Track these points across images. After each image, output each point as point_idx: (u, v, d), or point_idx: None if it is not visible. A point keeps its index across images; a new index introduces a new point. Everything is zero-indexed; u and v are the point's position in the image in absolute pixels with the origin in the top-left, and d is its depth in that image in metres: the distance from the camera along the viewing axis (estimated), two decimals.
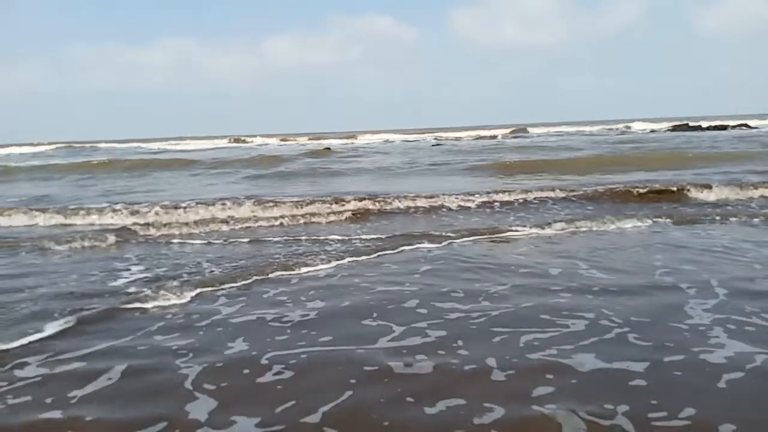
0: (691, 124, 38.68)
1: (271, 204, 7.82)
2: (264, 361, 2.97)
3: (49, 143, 49.54)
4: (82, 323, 3.51)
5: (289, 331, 3.41)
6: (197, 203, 7.96)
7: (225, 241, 6.08)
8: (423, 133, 52.47)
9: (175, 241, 6.26)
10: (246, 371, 2.86)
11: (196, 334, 3.35)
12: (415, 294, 4.04)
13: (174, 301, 3.90)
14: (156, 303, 3.86)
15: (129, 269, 4.95)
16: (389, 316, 3.58)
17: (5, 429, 2.38)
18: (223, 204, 7.88)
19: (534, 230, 6.20)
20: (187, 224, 6.90)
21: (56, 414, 2.47)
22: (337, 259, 5.02)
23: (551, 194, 8.54)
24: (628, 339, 3.12)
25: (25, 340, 3.24)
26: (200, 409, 2.48)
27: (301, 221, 7.21)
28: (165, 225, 6.91)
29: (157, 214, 7.48)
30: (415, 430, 2.29)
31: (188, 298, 3.97)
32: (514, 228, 6.35)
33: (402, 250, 5.41)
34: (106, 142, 55.48)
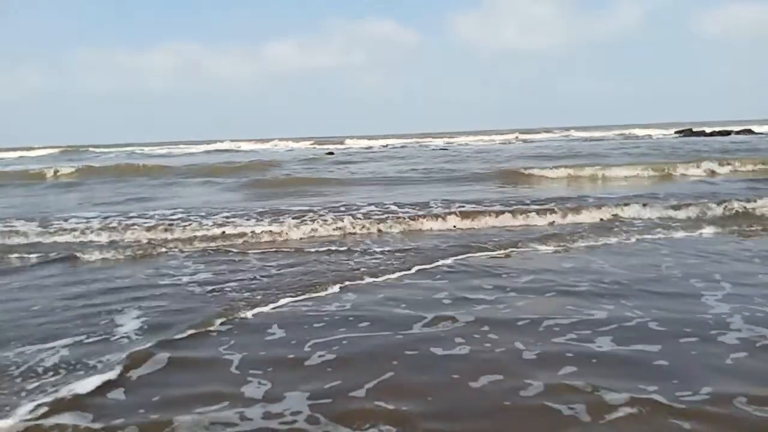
0: (695, 129, 38.66)
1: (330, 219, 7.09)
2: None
3: (47, 147, 49.24)
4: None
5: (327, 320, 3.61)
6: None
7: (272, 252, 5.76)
8: (424, 137, 52.46)
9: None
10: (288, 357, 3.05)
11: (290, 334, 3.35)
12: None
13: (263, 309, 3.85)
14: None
15: (193, 279, 4.72)
16: (420, 306, 3.77)
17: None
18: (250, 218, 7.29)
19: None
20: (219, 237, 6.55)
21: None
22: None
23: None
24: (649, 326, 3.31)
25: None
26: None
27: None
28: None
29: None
30: (465, 401, 2.46)
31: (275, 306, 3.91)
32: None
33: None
34: (107, 146, 55.30)
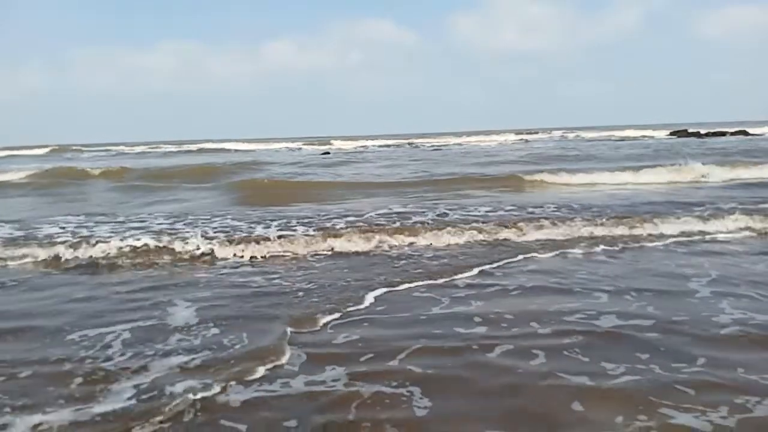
0: (690, 130, 38.98)
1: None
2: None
3: (40, 146, 48.82)
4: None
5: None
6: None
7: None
8: (421, 138, 52.51)
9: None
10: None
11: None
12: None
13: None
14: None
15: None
16: (439, 292, 4.21)
17: None
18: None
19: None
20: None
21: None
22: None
23: None
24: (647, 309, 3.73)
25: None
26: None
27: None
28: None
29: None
30: (483, 370, 2.85)
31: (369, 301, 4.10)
32: None
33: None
34: (98, 146, 54.90)
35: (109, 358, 3.10)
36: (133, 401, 2.58)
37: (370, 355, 3.06)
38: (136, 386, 2.73)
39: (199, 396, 2.62)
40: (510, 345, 3.14)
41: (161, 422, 2.40)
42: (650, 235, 6.18)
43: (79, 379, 2.84)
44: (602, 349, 3.06)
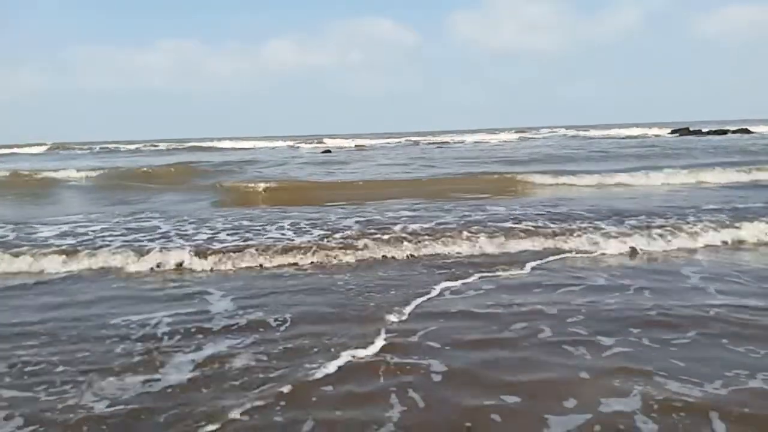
0: (692, 128, 38.83)
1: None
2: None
3: (37, 144, 48.57)
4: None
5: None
6: None
7: None
8: (423, 136, 52.28)
9: None
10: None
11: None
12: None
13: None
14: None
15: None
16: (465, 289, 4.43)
17: None
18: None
19: None
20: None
21: None
22: None
23: None
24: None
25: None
26: None
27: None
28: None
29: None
30: (493, 345, 3.21)
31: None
32: None
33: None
34: (95, 143, 54.68)
35: (159, 340, 3.36)
36: (196, 374, 2.87)
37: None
38: (193, 361, 3.02)
39: (257, 370, 2.89)
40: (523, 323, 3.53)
41: (222, 389, 2.67)
42: (671, 240, 5.88)
43: (138, 357, 3.11)
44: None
